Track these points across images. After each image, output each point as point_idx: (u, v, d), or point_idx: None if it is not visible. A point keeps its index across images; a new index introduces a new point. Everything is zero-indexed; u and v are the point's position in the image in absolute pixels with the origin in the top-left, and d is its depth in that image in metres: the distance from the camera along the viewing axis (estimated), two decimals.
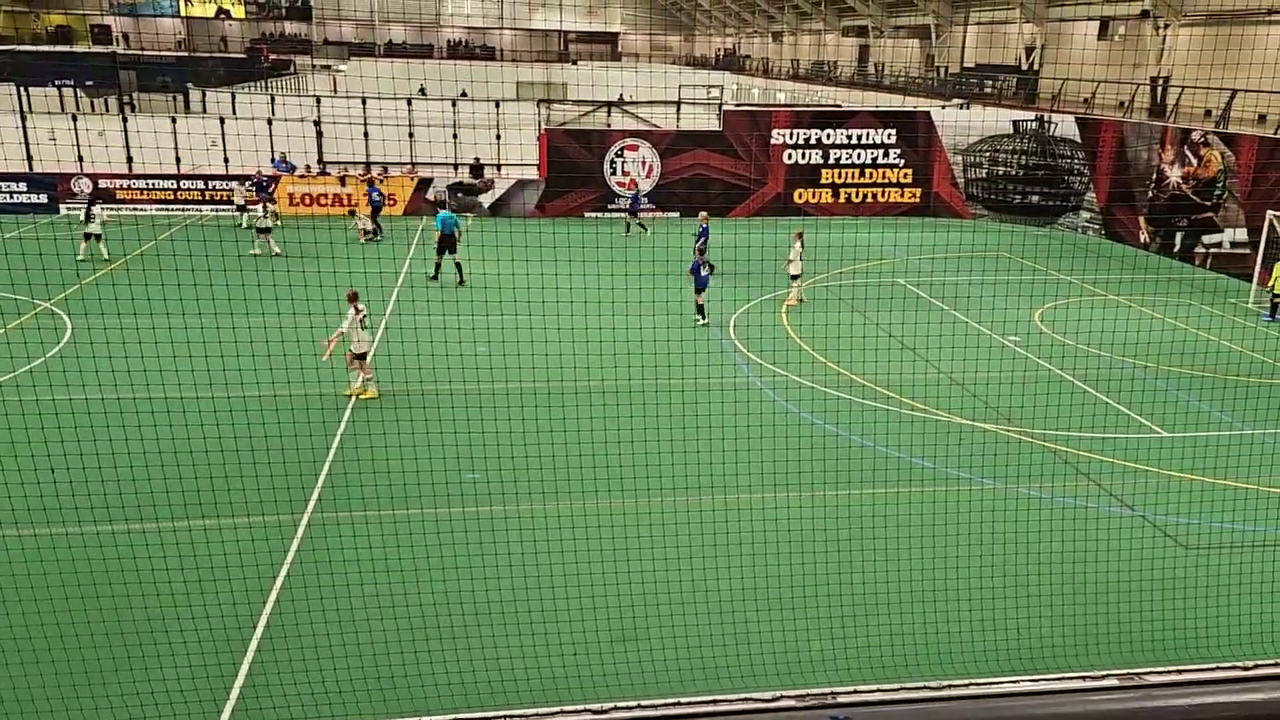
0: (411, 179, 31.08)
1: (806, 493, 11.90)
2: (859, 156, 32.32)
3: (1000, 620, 9.07)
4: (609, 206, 31.37)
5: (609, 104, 33.50)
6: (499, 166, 32.12)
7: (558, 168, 30.76)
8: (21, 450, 12.08)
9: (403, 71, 49.28)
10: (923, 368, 16.95)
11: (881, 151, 32.36)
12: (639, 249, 26.04)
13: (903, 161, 32.52)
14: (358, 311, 14.57)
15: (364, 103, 31.95)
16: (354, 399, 14.71)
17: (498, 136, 31.99)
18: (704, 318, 19.33)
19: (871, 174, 32.54)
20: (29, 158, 29.37)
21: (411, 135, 31.65)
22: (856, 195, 32.66)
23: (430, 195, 30.81)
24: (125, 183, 29.65)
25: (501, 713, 2.58)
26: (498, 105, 32.83)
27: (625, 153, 31.25)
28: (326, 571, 9.86)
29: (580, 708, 2.31)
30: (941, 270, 25.06)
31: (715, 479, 11.94)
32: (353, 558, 9.99)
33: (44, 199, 29.11)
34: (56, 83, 37.63)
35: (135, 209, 29.47)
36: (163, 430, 11.86)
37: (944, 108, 35.06)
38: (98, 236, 23.05)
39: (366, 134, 31.28)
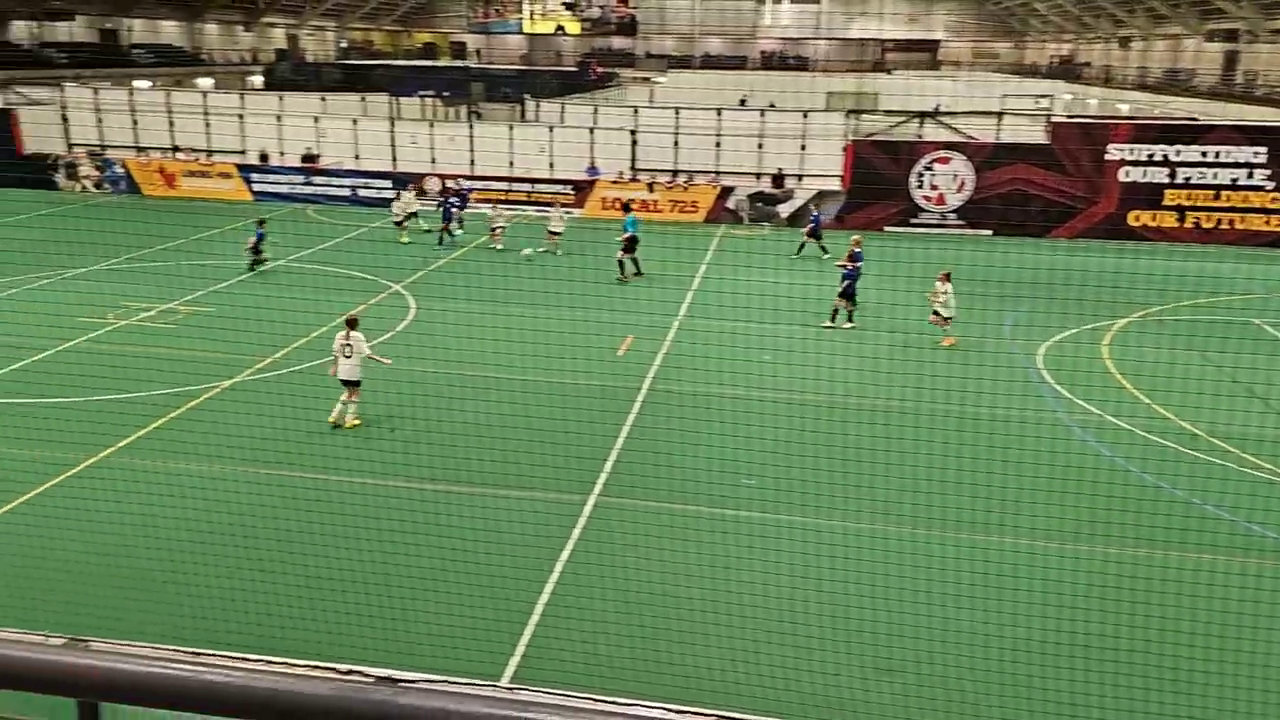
0: (714, 187, 31.94)
1: (1113, 547, 10.83)
2: (1215, 176, 28.63)
3: None
4: (912, 221, 30.33)
5: (922, 114, 32.34)
6: (800, 177, 32.13)
7: (861, 179, 30.20)
8: (369, 410, 13.90)
9: (716, 82, 50.76)
10: (1274, 421, 14.78)
11: (1245, 172, 28.46)
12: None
13: (1272, 184, 28.40)
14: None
15: (677, 113, 33.29)
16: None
17: (802, 147, 32.02)
18: (835, 322, 19.19)
19: (1229, 197, 28.71)
20: (394, 159, 33.69)
21: (718, 144, 32.53)
22: (1207, 220, 28.99)
23: (731, 204, 31.50)
24: (466, 183, 33.10)
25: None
26: (805, 115, 32.84)
27: (936, 165, 30.03)
28: (607, 552, 10.46)
29: None
30: None
31: (1006, 518, 11.21)
32: (631, 543, 10.51)
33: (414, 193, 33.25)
34: (420, 93, 42.87)
35: (473, 207, 32.83)
36: (479, 404, 13.18)
37: None
38: (413, 214, 27.20)
39: (676, 143, 32.59)
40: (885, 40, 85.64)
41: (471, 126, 34.90)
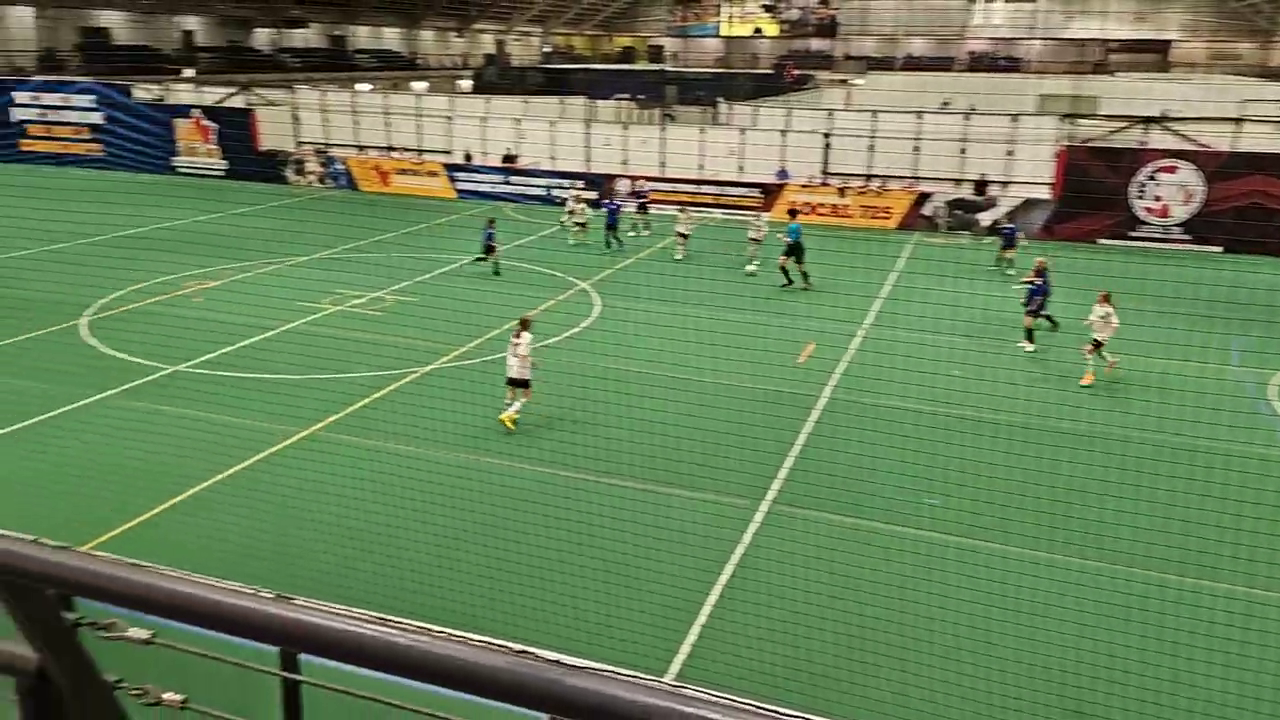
0: (910, 192, 30.87)
1: None
2: None
3: None
4: (1130, 234, 28.13)
5: (1148, 120, 29.93)
6: (1005, 184, 30.49)
7: (1075, 188, 28.26)
8: (547, 402, 14.37)
9: (916, 85, 49.03)
10: None
11: None
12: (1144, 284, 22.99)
13: None
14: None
15: (874, 115, 32.42)
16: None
17: (1009, 152, 30.38)
18: (1033, 342, 17.72)
19: None
20: (587, 160, 34.69)
21: (916, 149, 31.41)
22: None
23: (927, 210, 30.34)
24: (655, 185, 33.61)
25: None
26: (1014, 119, 31.15)
27: (1160, 175, 27.72)
28: (776, 559, 10.33)
29: None
30: None
31: (1221, 561, 10.18)
32: (802, 552, 10.33)
33: (593, 195, 34.16)
34: (615, 96, 43.95)
35: (660, 209, 33.31)
36: (658, 403, 13.34)
37: None
38: (580, 225, 27.05)
39: (871, 146, 31.74)
40: (1109, 40, 79.89)
41: (664, 129, 35.40)
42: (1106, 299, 16.26)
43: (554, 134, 35.40)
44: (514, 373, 13.65)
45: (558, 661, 1.65)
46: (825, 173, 32.50)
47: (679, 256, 25.02)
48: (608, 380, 15.47)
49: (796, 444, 13.57)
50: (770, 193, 32.04)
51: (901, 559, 10.39)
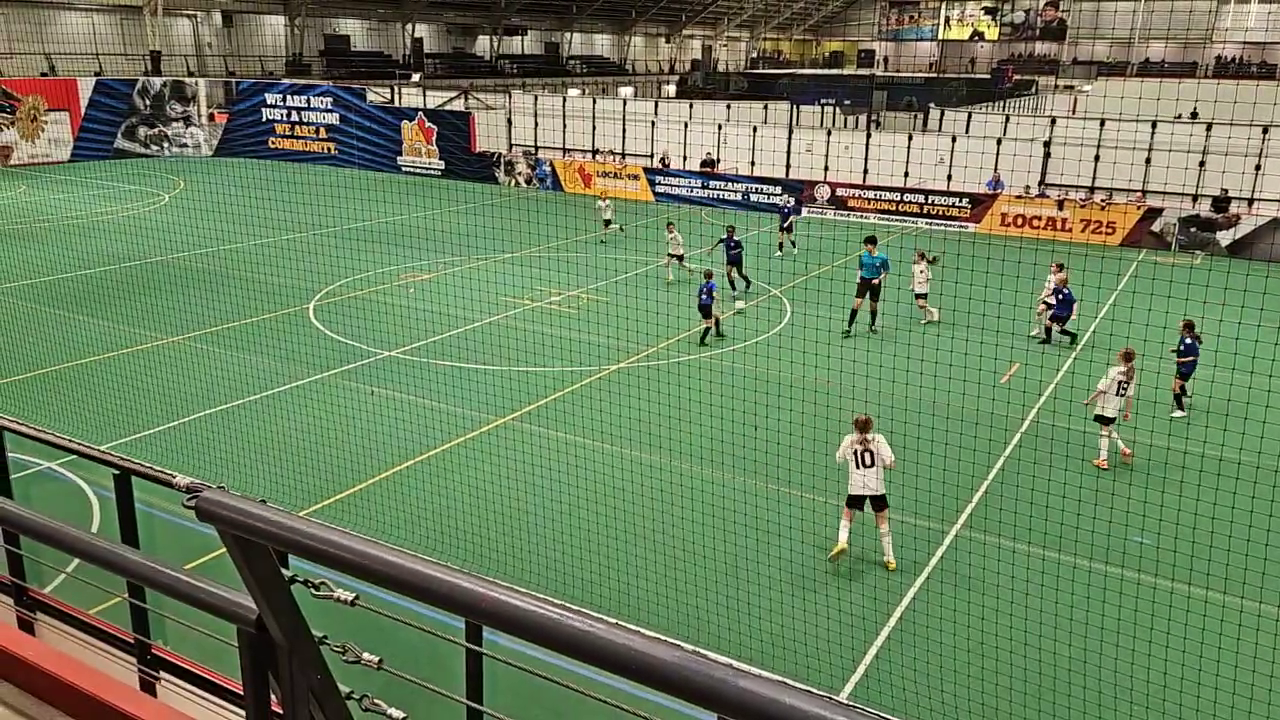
0: (1138, 208, 28.56)
1: None
2: None
3: None
4: None
5: None
6: (1250, 201, 27.60)
7: None
8: (732, 407, 14.37)
9: (1152, 91, 45.24)
10: None
11: None
12: None
13: None
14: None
15: (1101, 124, 30.23)
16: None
17: (1257, 167, 27.49)
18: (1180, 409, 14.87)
19: None
20: (788, 165, 34.40)
21: (1148, 161, 29.02)
22: None
23: (1156, 227, 27.95)
24: (857, 192, 32.83)
25: None
26: (1265, 131, 28.16)
27: None
28: (964, 586, 9.84)
29: None
30: None
31: None
32: (992, 581, 9.79)
33: (791, 201, 33.81)
34: (821, 101, 43.27)
35: (861, 215, 32.51)
36: (846, 414, 13.00)
37: None
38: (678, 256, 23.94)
39: (1097, 157, 29.62)
40: None
41: (869, 135, 34.54)
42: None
43: (755, 139, 35.36)
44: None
45: (730, 665, 1.65)
46: (1043, 184, 30.66)
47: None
48: (795, 388, 15.28)
49: (995, 466, 12.87)
50: (980, 203, 30.59)
51: (1103, 597, 9.64)
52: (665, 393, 14.56)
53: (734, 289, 21.12)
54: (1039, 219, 29.77)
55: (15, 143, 38.99)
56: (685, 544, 10.51)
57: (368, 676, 2.72)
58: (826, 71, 72.29)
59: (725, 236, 21.41)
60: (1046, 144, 30.80)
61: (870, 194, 32.50)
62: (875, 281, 18.40)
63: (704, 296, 17.60)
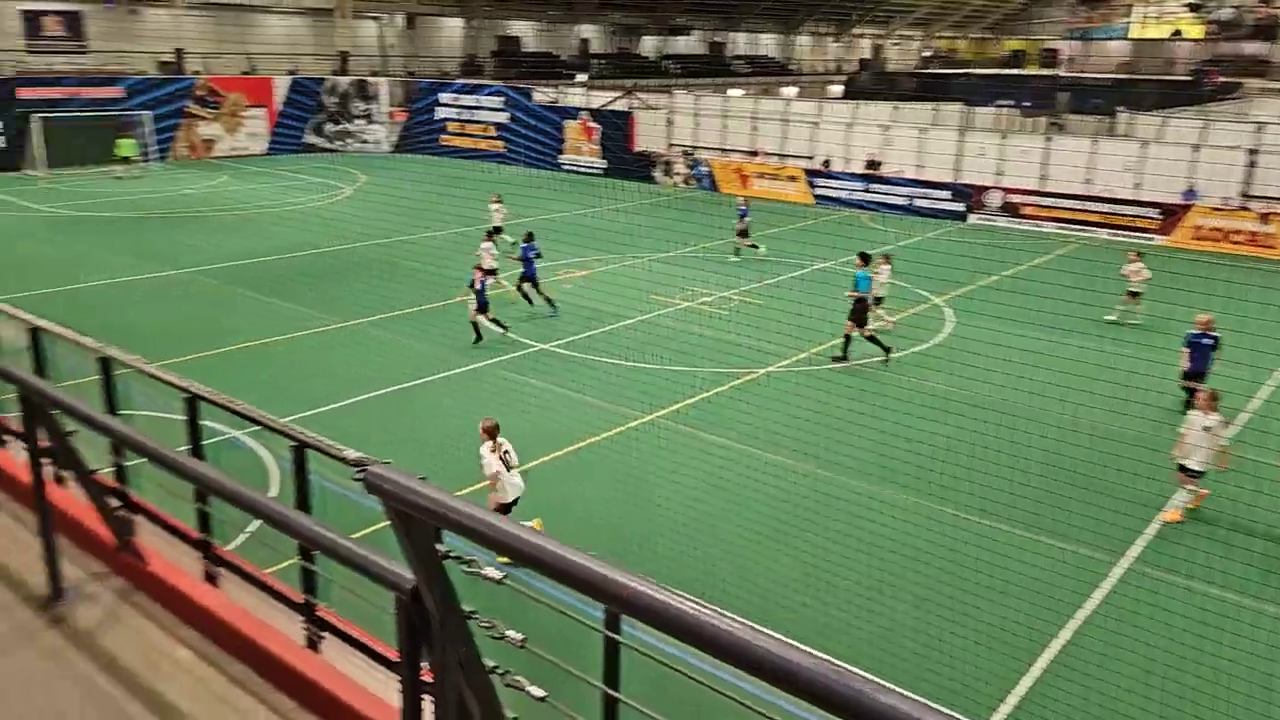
0: None
1: None
2: None
3: None
4: None
5: None
6: None
7: None
8: (885, 418, 13.95)
9: None
10: None
11: None
12: None
13: None
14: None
15: None
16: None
17: None
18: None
19: None
20: (957, 170, 33.10)
21: None
22: None
23: None
24: (1032, 199, 31.20)
25: None
26: None
27: None
28: (1130, 623, 9.20)
29: None
30: None
31: None
32: (1163, 620, 9.10)
33: (960, 207, 32.52)
34: (997, 103, 41.41)
35: (1036, 224, 30.89)
36: (1010, 433, 12.40)
37: None
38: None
39: None
40: None
41: (1049, 140, 32.77)
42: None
43: (923, 141, 34.22)
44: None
45: (872, 680, 1.61)
46: (1245, 195, 28.23)
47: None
48: (951, 402, 14.69)
49: (1175, 498, 11.96)
50: (1171, 214, 28.49)
51: None
52: (815, 399, 14.32)
53: (531, 303, 19.60)
54: (1239, 233, 27.43)
55: (219, 136, 42.52)
56: (828, 555, 10.30)
57: (510, 654, 2.81)
58: (1005, 71, 69.04)
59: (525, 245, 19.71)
60: (1252, 152, 28.33)
61: (1047, 201, 30.84)
62: (860, 299, 17.03)
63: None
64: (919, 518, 11.29)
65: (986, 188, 31.93)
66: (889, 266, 18.88)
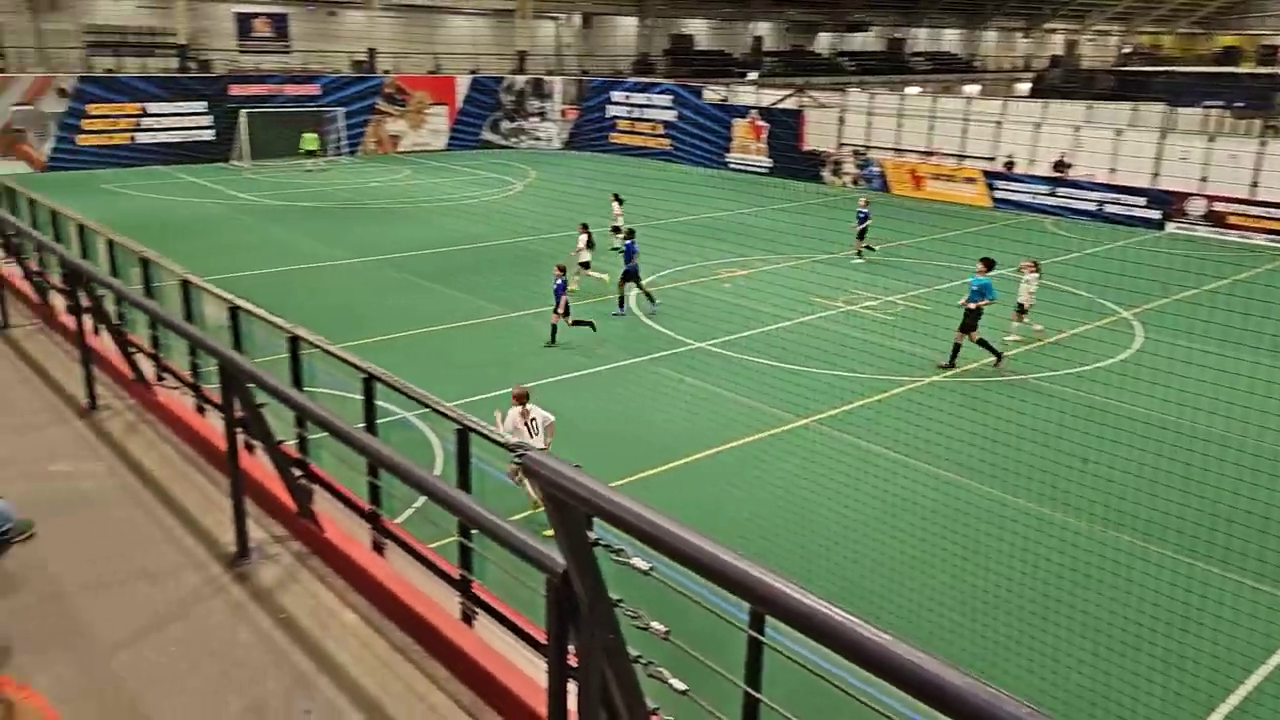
0: None
1: None
2: None
3: None
4: None
5: None
6: None
7: None
8: (1054, 430, 13.15)
9: None
10: None
11: None
12: None
13: None
14: None
15: None
16: None
17: None
18: None
19: None
20: (1155, 174, 30.77)
21: None
22: None
23: None
24: (1241, 208, 28.64)
25: None
26: None
27: None
28: None
29: None
30: None
31: None
32: None
33: (1156, 214, 30.25)
34: (1205, 104, 38.19)
35: (1244, 235, 28.36)
36: (1194, 456, 11.45)
37: None
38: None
39: None
40: None
41: (1264, 143, 29.95)
42: None
43: (1118, 144, 32.02)
44: None
45: (1025, 704, 1.53)
46: None
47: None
48: (1137, 423, 13.70)
49: None
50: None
51: None
52: (982, 411, 13.69)
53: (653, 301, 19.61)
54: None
55: (404, 132, 44.99)
56: (987, 574, 9.83)
57: (653, 645, 2.84)
58: (1216, 69, 63.59)
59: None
60: None
61: (1257, 210, 28.23)
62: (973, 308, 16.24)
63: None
64: (1094, 544, 10.60)
65: (1188, 194, 29.54)
66: (1036, 274, 18.00)
